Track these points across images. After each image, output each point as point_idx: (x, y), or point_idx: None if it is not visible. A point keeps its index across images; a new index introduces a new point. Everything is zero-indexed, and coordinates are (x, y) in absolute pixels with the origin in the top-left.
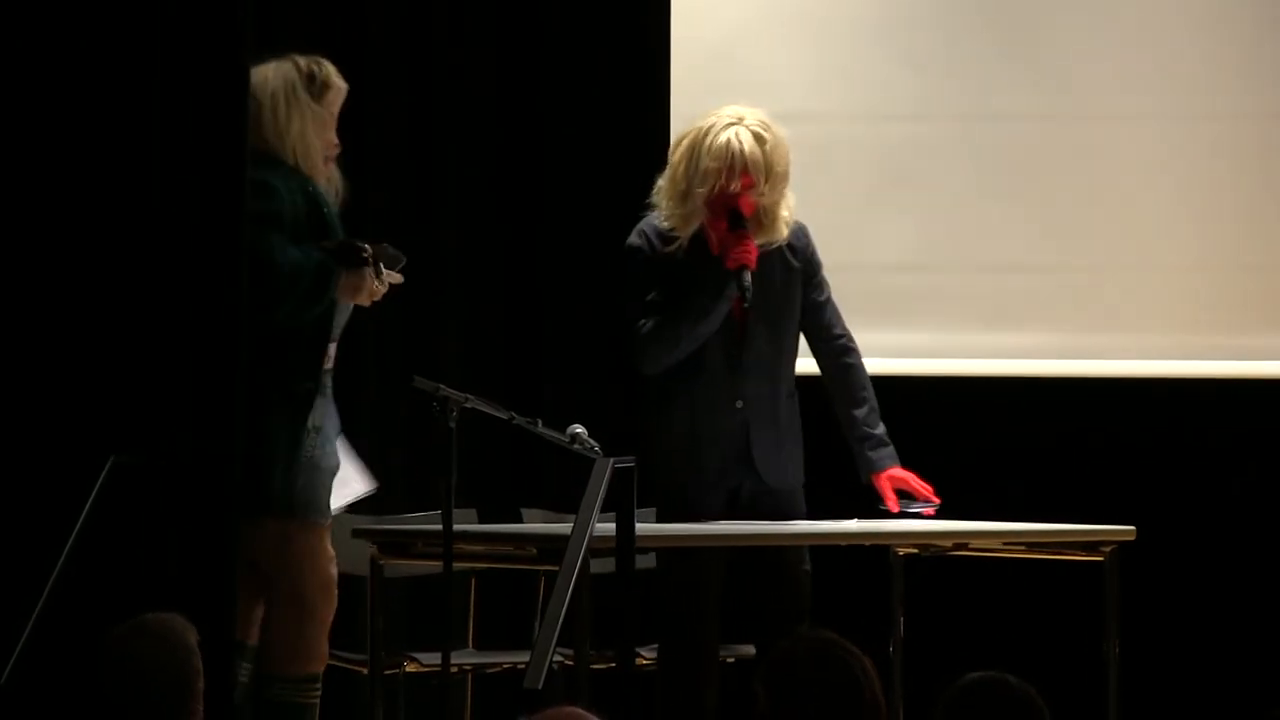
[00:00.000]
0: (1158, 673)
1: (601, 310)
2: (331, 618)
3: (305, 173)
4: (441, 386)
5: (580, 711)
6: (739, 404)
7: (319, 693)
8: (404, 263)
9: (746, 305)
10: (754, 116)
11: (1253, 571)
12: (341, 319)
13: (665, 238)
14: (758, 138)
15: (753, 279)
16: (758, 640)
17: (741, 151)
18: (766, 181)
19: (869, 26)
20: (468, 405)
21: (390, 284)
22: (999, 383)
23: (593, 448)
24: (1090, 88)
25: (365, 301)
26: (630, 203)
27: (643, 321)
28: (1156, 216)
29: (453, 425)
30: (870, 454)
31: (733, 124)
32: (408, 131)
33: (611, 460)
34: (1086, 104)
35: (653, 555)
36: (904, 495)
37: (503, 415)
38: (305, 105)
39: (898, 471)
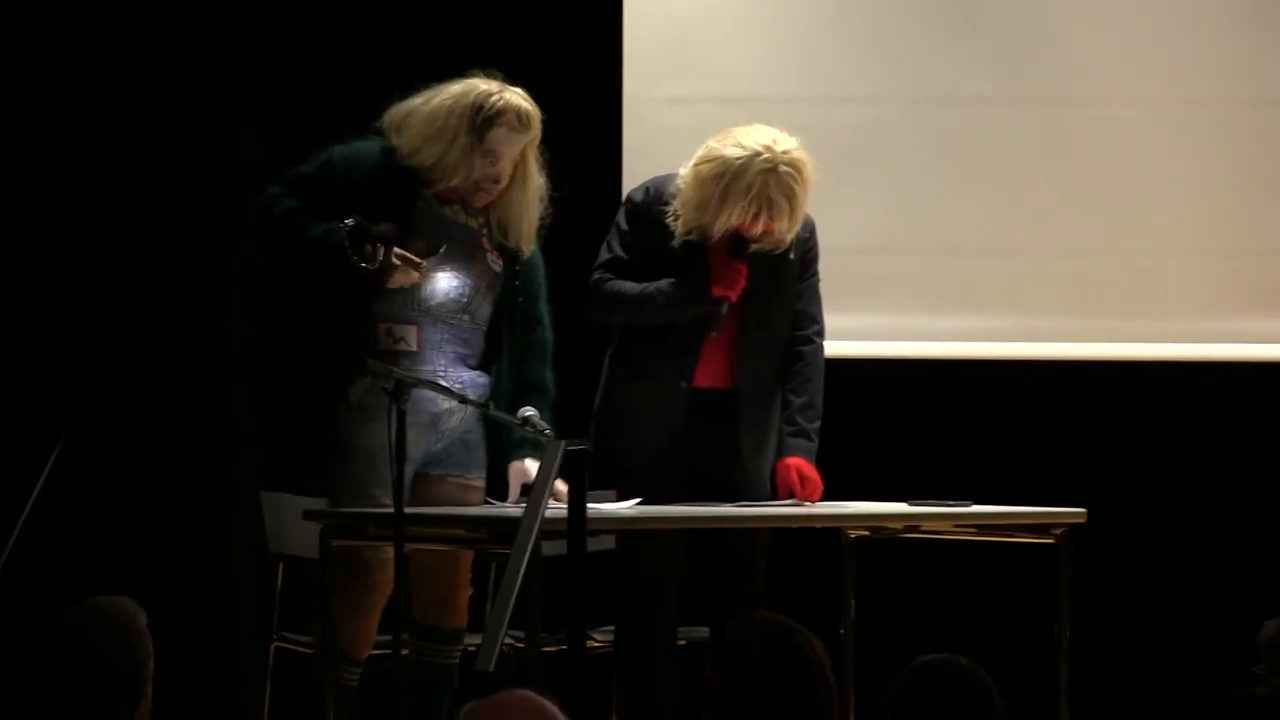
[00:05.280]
0: (1109, 654)
1: (555, 292)
2: (366, 602)
3: (424, 180)
4: (394, 369)
5: (532, 694)
6: (682, 384)
7: (353, 675)
8: (437, 253)
9: (713, 334)
10: (788, 154)
11: (1203, 554)
12: (390, 302)
13: (668, 205)
14: (792, 181)
15: (749, 272)
16: (712, 622)
17: (772, 200)
18: (788, 225)
19: (825, 9)
20: (420, 388)
21: (401, 268)
22: (951, 366)
23: (544, 430)
24: (1048, 71)
25: (387, 285)
26: (582, 187)
27: (607, 276)
28: (1114, 200)
29: (405, 408)
30: (784, 441)
31: (768, 168)
32: (364, 113)
33: (563, 443)
34: (1043, 87)
35: (612, 537)
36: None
37: (455, 398)
38: (455, 134)
39: (795, 460)
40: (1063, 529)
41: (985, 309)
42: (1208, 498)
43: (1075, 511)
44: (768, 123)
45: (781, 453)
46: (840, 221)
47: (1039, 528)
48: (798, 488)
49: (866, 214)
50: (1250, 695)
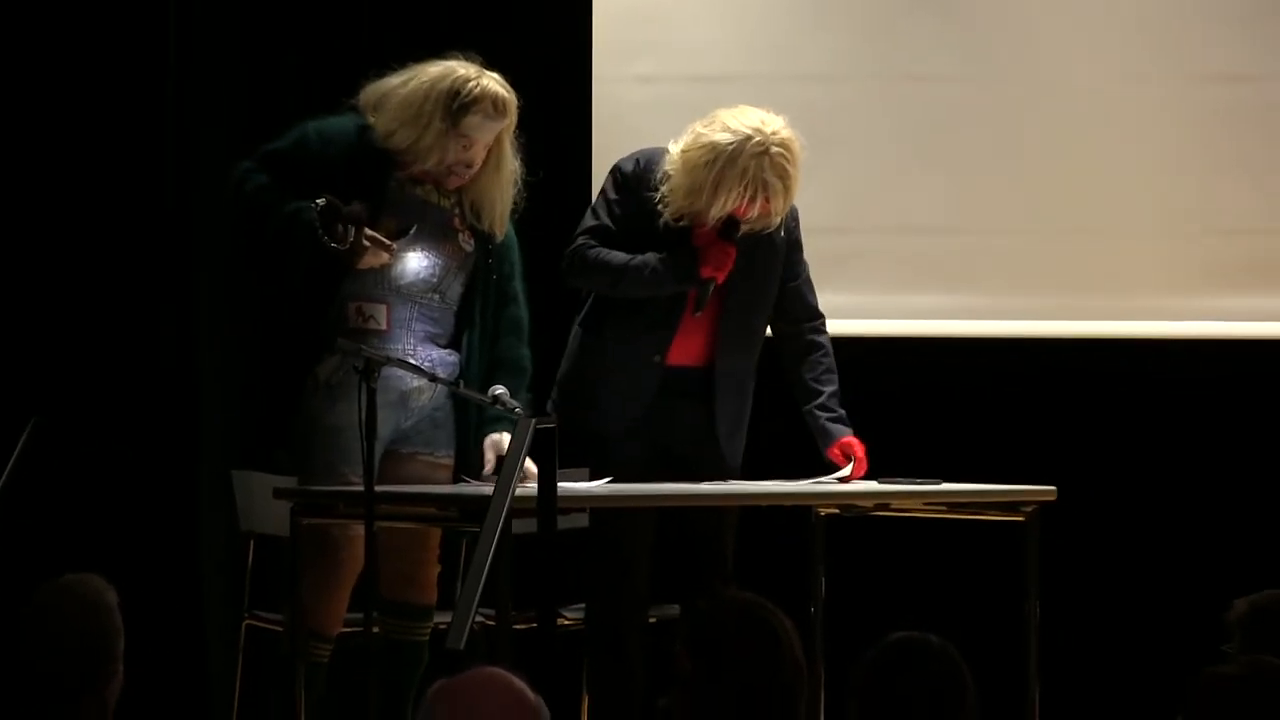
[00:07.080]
0: (1079, 632)
1: (529, 271)
2: (334, 579)
3: (398, 160)
4: (363, 348)
5: (502, 672)
6: (656, 359)
7: (324, 651)
8: (407, 233)
9: (696, 315)
10: (778, 134)
11: (1175, 531)
12: (360, 281)
13: (657, 181)
14: (785, 162)
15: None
16: (682, 600)
17: (767, 183)
18: (783, 204)
19: None
20: (390, 366)
21: (371, 249)
22: (917, 344)
23: (514, 408)
24: (1013, 49)
25: (357, 266)
26: (550, 166)
27: (591, 243)
28: (1079, 177)
29: (374, 386)
30: (831, 426)
31: (761, 151)
32: (332, 97)
33: (533, 420)
34: (1008, 66)
35: (583, 516)
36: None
37: (426, 376)
38: (430, 119)
39: (849, 439)
40: (1033, 506)
41: (950, 287)
42: (1178, 475)
43: (1045, 489)
44: (730, 102)
45: (832, 435)
46: (804, 199)
47: (1009, 505)
48: (858, 462)
49: (831, 192)
50: (1220, 673)
